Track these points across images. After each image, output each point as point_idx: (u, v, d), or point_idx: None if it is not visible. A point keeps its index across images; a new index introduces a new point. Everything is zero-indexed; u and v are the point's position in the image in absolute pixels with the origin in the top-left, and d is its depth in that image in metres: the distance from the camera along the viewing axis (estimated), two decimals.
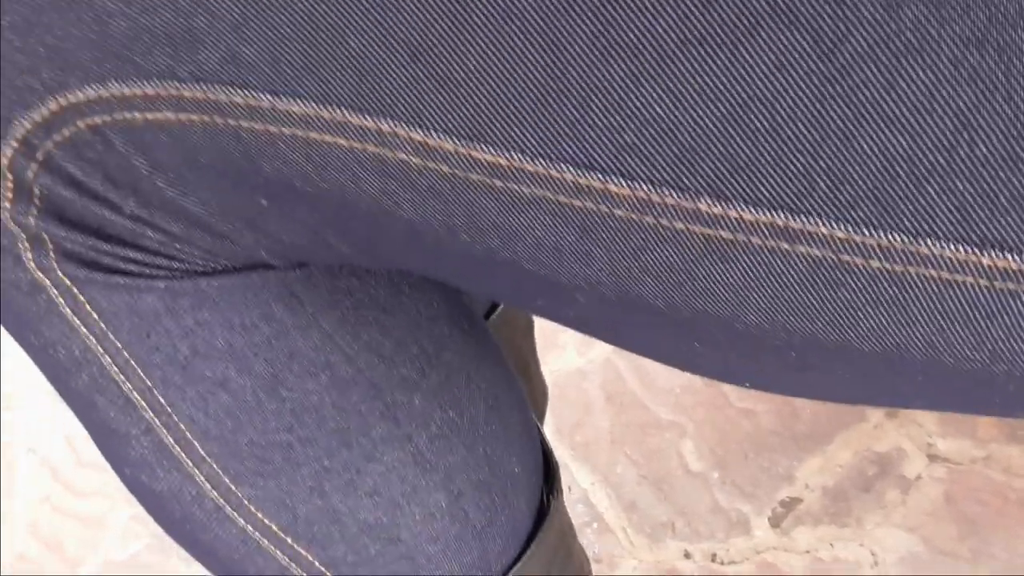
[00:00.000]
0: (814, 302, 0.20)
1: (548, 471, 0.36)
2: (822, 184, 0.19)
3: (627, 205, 0.20)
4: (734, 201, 0.19)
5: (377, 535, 0.30)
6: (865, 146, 0.18)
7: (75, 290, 0.26)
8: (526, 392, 0.56)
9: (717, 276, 0.20)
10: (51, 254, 0.25)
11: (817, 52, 0.18)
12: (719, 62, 0.18)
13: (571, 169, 0.20)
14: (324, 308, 0.28)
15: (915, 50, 0.18)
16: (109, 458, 0.31)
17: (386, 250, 0.24)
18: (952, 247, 0.19)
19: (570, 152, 0.20)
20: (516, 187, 0.20)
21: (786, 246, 0.20)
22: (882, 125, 0.18)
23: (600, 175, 0.20)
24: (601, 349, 0.87)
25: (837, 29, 0.18)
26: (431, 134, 0.20)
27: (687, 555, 0.73)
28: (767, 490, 0.75)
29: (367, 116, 0.20)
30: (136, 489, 0.31)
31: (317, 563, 0.31)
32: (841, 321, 0.20)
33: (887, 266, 0.19)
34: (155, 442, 0.28)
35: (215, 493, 0.29)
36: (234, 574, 0.32)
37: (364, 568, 0.31)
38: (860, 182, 0.18)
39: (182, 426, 0.28)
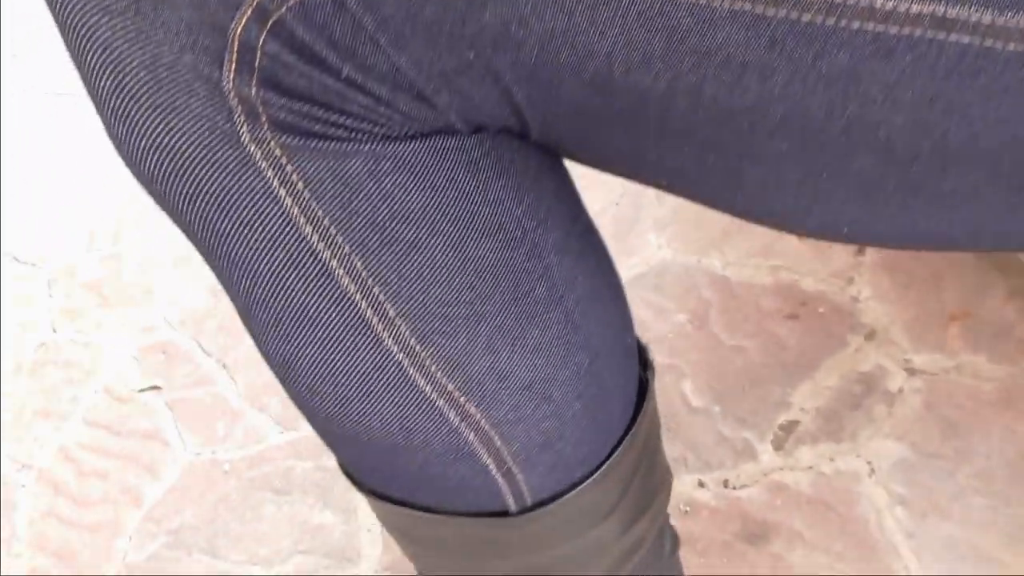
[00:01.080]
0: (955, 93, 0.24)
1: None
2: None
3: (814, 8, 0.24)
4: None
5: (534, 393, 0.33)
6: None
7: (284, 159, 0.27)
8: None
9: (879, 75, 0.24)
10: (264, 125, 0.27)
11: None
12: None
13: None
14: (495, 174, 0.30)
15: None
16: (281, 343, 0.31)
17: (564, 104, 0.27)
18: None
19: None
20: (717, 3, 0.24)
21: (942, 35, 0.24)
22: None
23: None
24: None
25: None
26: None
27: (701, 484, 0.78)
28: (766, 417, 0.81)
29: None
30: (304, 370, 0.31)
31: (485, 423, 0.32)
32: (974, 112, 0.25)
33: (1021, 48, 0.24)
34: (346, 311, 0.30)
35: (401, 355, 0.30)
36: (398, 444, 0.32)
37: (521, 426, 0.33)
38: None
39: (376, 290, 0.29)
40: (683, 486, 0.78)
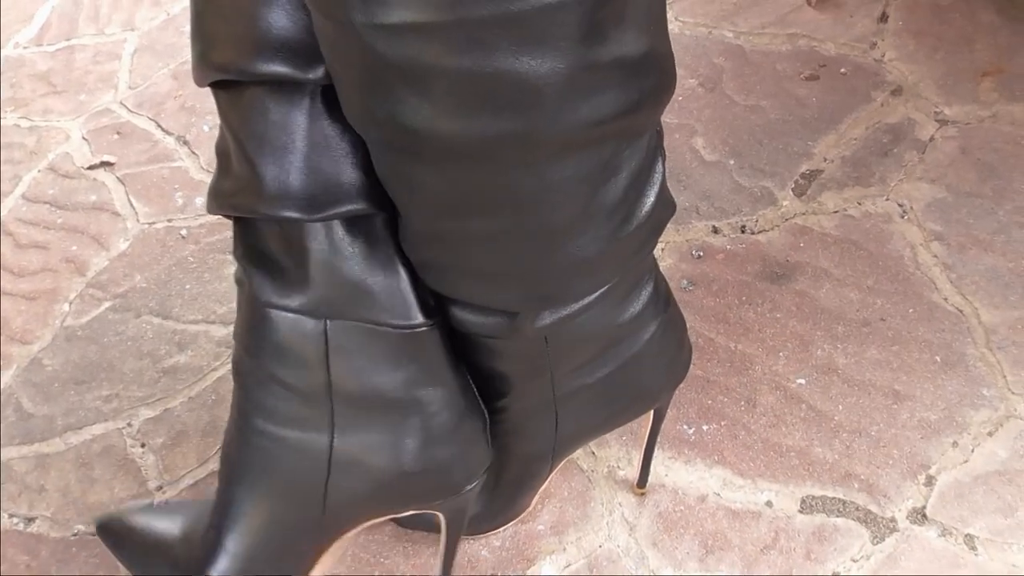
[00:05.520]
0: None
1: None
2: None
3: None
4: None
5: None
6: None
7: None
8: None
9: None
10: None
11: None
12: None
13: None
14: None
15: None
16: None
17: None
18: None
19: None
20: None
21: None
22: None
23: None
24: None
25: None
26: None
27: (715, 231, 0.71)
28: (786, 167, 0.74)
29: None
30: None
31: None
32: None
33: None
34: None
35: None
36: None
37: None
38: None
39: None
40: (695, 232, 0.71)
